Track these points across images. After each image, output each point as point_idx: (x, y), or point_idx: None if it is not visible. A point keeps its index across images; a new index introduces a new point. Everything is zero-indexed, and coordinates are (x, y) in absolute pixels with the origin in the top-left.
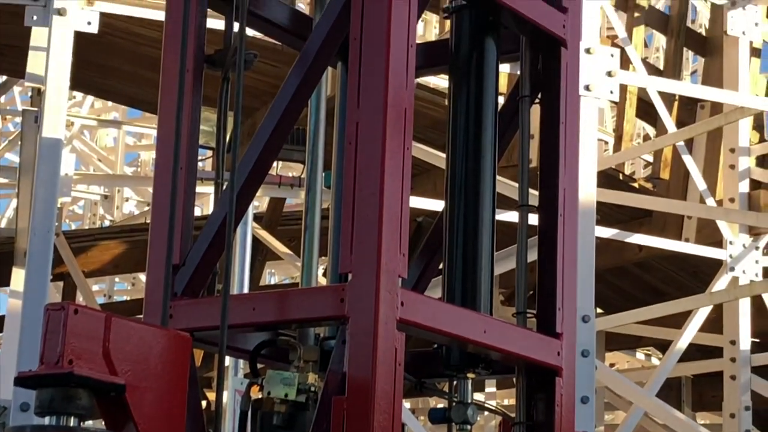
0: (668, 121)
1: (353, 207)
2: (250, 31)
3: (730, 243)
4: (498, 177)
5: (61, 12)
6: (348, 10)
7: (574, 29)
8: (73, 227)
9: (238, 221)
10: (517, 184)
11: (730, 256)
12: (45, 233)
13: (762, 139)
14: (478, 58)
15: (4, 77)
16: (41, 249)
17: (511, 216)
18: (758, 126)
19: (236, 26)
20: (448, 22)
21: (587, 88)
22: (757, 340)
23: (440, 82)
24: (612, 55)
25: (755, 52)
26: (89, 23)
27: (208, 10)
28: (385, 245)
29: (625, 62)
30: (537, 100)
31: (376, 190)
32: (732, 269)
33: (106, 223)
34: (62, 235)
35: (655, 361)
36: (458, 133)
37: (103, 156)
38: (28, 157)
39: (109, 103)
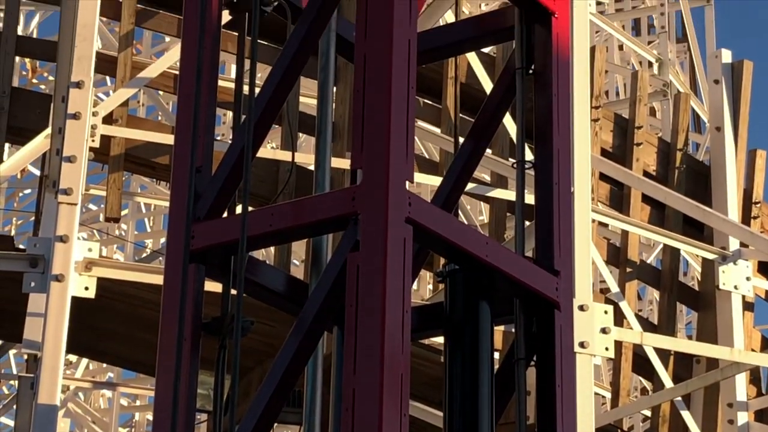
0: (665, 376)
1: None
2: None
3: None
4: None
5: (59, 278)
6: (343, 277)
7: (567, 291)
8: None
9: None
10: None
11: None
12: None
13: (759, 393)
14: (473, 321)
15: (0, 341)
16: None
17: None
18: (755, 379)
19: (233, 292)
20: None
21: (582, 345)
22: None
23: (434, 338)
24: (606, 312)
25: (748, 306)
26: (86, 288)
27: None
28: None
29: (618, 315)
30: (532, 363)
31: None
32: None
33: None
34: None
35: None
36: (455, 395)
37: (98, 417)
38: (24, 423)
39: (104, 364)
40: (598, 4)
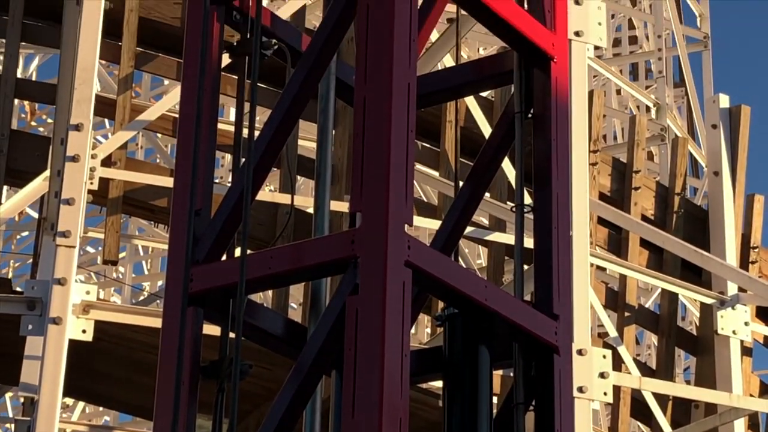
0: (663, 421)
1: None
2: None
3: None
4: None
5: (56, 321)
6: (342, 321)
7: (566, 335)
8: None
9: None
10: None
11: None
12: None
13: None
14: (472, 365)
15: None
16: None
17: None
18: (753, 425)
19: (232, 335)
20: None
21: (581, 390)
22: None
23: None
24: (604, 356)
25: (747, 351)
26: (84, 331)
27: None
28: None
29: (617, 360)
30: (531, 407)
31: None
32: None
33: None
34: None
35: None
36: None
37: None
38: None
39: (101, 408)
40: (596, 48)
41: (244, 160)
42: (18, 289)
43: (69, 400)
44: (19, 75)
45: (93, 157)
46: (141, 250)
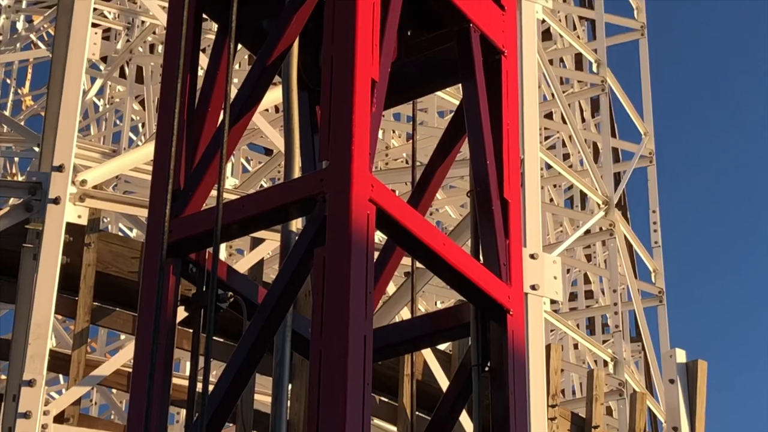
0: None
1: None
2: None
3: None
4: None
5: None
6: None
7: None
8: None
9: None
10: None
11: None
12: None
13: None
14: None
15: None
16: None
17: None
18: None
19: None
20: None
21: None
22: None
23: None
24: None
25: None
26: None
27: None
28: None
29: None
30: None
31: None
32: None
33: None
34: None
35: None
36: None
37: None
38: None
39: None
40: (553, 302)
41: (197, 415)
42: None
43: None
44: None
45: (45, 413)
46: None
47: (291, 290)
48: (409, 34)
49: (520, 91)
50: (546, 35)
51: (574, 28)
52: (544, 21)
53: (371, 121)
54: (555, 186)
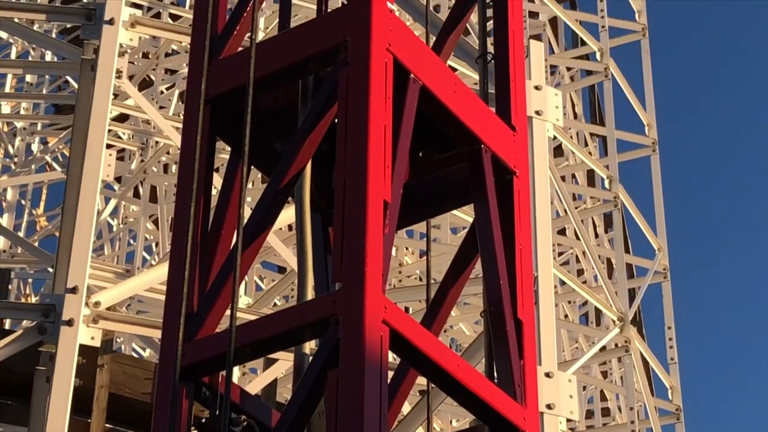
0: None
1: None
2: None
3: None
4: None
5: None
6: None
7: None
8: None
9: None
10: None
11: None
12: None
13: None
14: None
15: None
16: None
17: None
18: None
19: None
20: None
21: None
22: None
23: None
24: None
25: None
26: None
27: None
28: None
29: None
30: None
31: None
32: None
33: None
34: None
35: None
36: None
37: None
38: None
39: None
40: (569, 421)
41: None
42: None
43: None
44: None
45: None
46: None
47: (304, 413)
48: (420, 154)
49: (533, 209)
50: (558, 151)
51: (586, 145)
52: (555, 138)
53: (384, 242)
54: (569, 302)
